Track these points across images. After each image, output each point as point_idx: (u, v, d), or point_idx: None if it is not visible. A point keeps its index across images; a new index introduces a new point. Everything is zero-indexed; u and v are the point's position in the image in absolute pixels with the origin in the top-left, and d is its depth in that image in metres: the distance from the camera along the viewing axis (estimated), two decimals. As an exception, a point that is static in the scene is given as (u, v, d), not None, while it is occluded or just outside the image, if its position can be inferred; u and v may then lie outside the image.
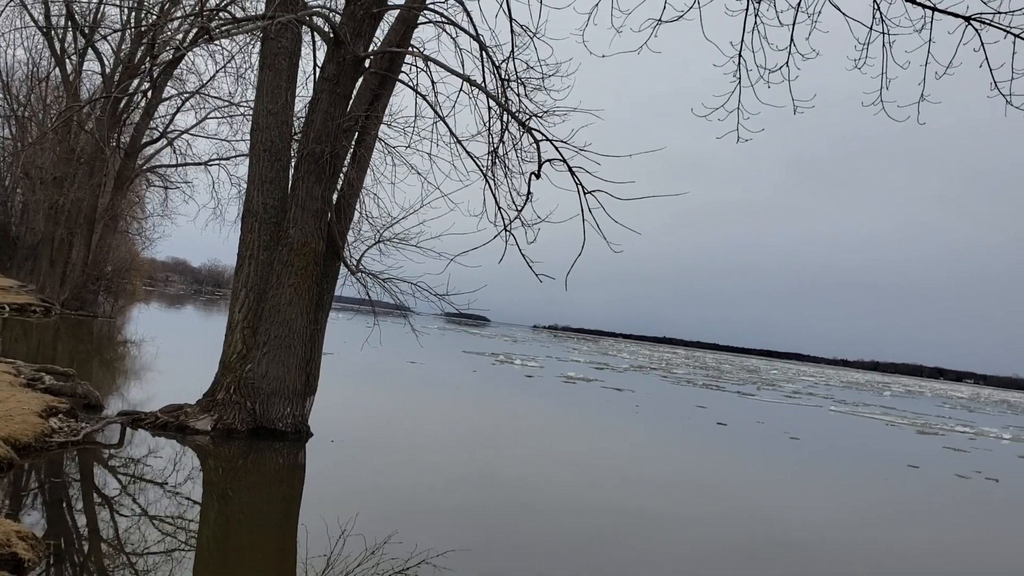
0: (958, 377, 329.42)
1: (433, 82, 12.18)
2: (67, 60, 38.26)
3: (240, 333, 11.70)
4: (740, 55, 11.17)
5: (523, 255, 10.68)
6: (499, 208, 11.07)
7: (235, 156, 33.98)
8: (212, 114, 33.83)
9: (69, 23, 35.77)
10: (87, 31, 34.98)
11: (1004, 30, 10.59)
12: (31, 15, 37.49)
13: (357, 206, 12.31)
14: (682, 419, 24.96)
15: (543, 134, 9.21)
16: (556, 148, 9.14)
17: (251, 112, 29.29)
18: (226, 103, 32.85)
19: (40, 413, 9.59)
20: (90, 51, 37.01)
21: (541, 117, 9.36)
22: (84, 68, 38.76)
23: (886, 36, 11.30)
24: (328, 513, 8.14)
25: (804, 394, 50.15)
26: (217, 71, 31.67)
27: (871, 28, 11.28)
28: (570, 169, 8.90)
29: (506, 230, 10.75)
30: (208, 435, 10.97)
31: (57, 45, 37.79)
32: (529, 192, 9.14)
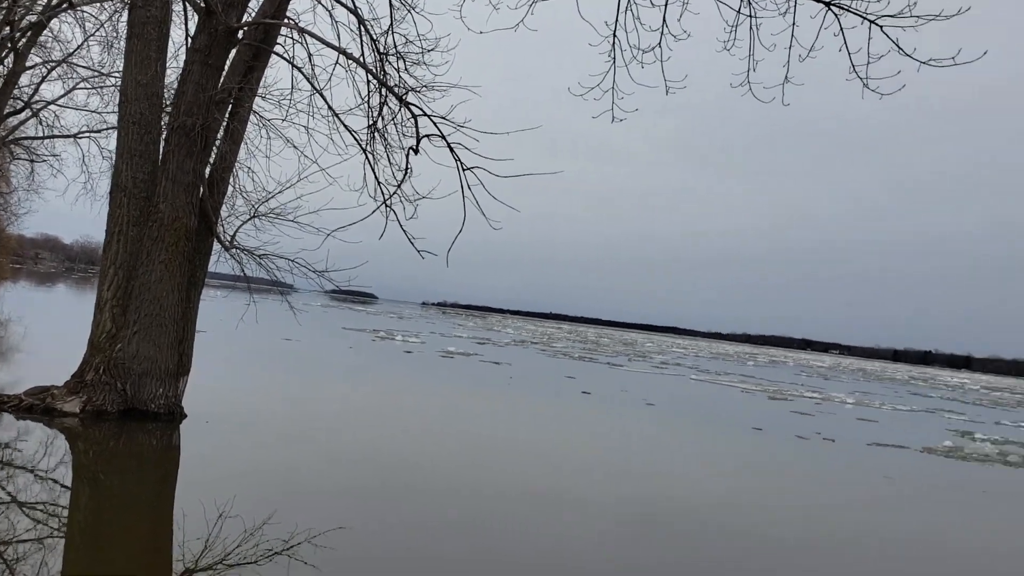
0: (825, 348, 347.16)
1: (310, 55, 12.00)
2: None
3: (109, 312, 11.30)
4: (615, 35, 11.43)
5: (404, 231, 10.69)
6: (379, 183, 11.03)
7: (106, 129, 32.42)
8: (81, 85, 32.15)
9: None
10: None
11: (861, 16, 11.18)
12: None
13: (231, 180, 12.01)
14: (550, 390, 25.68)
15: (421, 109, 9.21)
16: (435, 124, 9.17)
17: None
18: (95, 73, 31.28)
19: None
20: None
21: (419, 92, 9.36)
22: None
23: (753, 20, 11.78)
24: (205, 495, 8.00)
25: (672, 364, 52.07)
26: (85, 39, 30.02)
27: (739, 11, 11.73)
28: (449, 145, 8.94)
29: (386, 205, 10.73)
30: (77, 417, 10.59)
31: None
32: (408, 167, 9.15)
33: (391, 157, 11.31)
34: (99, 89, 32.21)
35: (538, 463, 12.52)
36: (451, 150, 8.99)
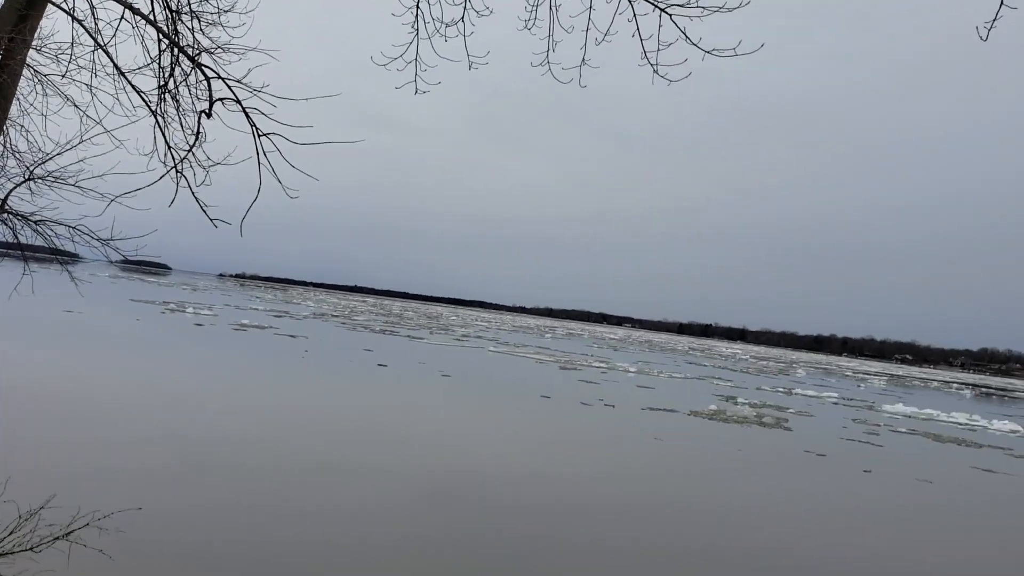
0: (619, 321, 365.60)
1: (92, 7, 11.17)
2: None
3: None
4: (418, 6, 11.43)
5: (196, 198, 10.23)
6: (169, 148, 10.48)
7: None
8: None
9: None
10: None
11: (652, 4, 11.80)
12: None
13: (1, 139, 11.02)
14: (346, 363, 25.75)
15: (215, 72, 8.83)
16: (229, 87, 8.81)
17: None
18: None
19: None
20: None
21: (213, 54, 8.95)
22: None
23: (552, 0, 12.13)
24: None
25: (473, 338, 53.36)
26: None
27: (538, -10, 12.03)
28: (244, 110, 8.63)
29: (176, 171, 10.22)
30: None
31: None
32: (199, 131, 8.75)
33: (183, 121, 10.77)
34: None
35: (330, 437, 12.59)
36: (247, 115, 8.70)
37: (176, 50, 9.60)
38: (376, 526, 8.34)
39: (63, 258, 12.53)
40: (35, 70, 11.01)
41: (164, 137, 10.42)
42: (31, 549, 6.10)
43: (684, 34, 11.77)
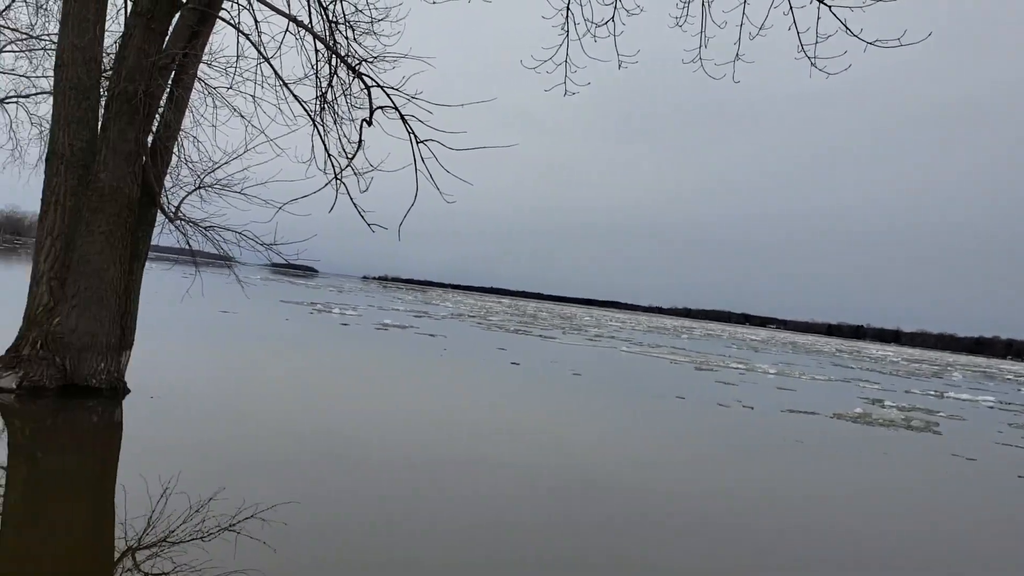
0: (763, 322, 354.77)
1: (256, 21, 11.66)
2: None
3: (47, 285, 10.90)
4: (568, 8, 11.35)
5: (355, 204, 10.50)
6: (329, 155, 10.81)
7: (36, 93, 31.28)
8: (8, 47, 30.88)
9: None
10: None
11: (811, -3, 11.32)
12: None
13: (176, 150, 11.65)
14: (481, 361, 26.01)
15: (374, 80, 9.01)
16: (388, 95, 8.97)
17: (54, 47, 27.08)
18: (24, 35, 30.09)
19: None
20: None
21: (372, 62, 9.13)
22: None
23: (705, -4, 11.83)
24: (148, 472, 7.83)
25: (606, 338, 52.87)
26: (13, 0, 28.82)
27: (692, -12, 11.76)
28: (402, 117, 8.76)
29: (337, 179, 10.52)
30: (13, 393, 10.23)
31: None
32: (360, 140, 8.93)
33: (340, 129, 11.10)
34: (28, 52, 31.04)
35: (468, 432, 12.68)
36: (404, 122, 8.82)
37: (336, 60, 9.84)
38: (511, 521, 8.28)
39: (226, 261, 13.11)
40: (205, 83, 11.54)
41: (324, 145, 10.73)
42: (201, 539, 6.32)
43: (844, 26, 11.24)
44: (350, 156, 8.92)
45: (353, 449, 10.34)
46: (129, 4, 12.21)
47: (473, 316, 62.27)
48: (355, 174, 9.33)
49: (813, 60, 11.89)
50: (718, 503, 9.96)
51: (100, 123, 11.08)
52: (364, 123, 8.85)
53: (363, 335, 30.33)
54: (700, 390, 24.51)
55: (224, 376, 15.54)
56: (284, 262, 12.29)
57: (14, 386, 10.27)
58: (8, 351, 10.82)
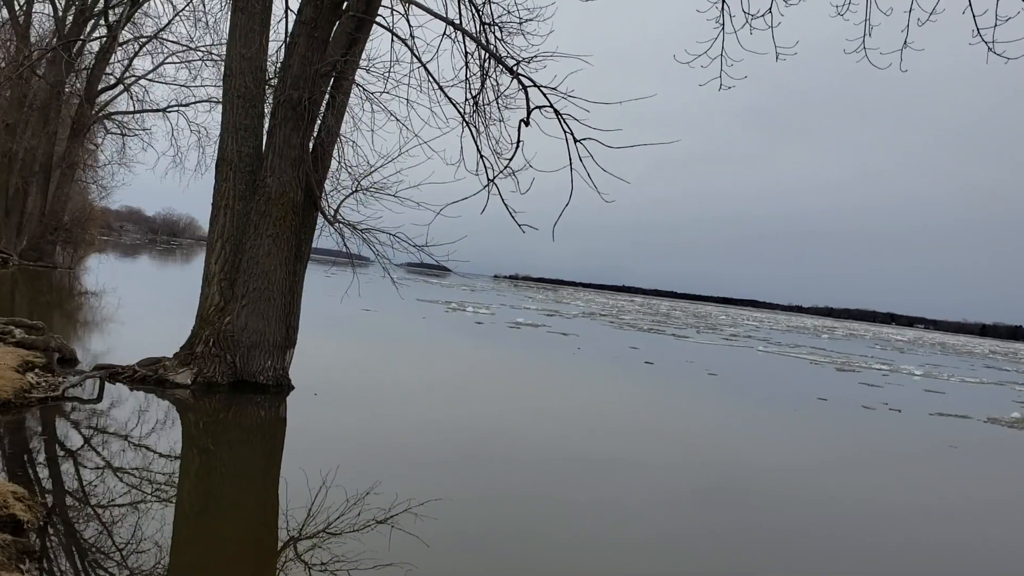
0: (910, 322, 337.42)
1: (410, 25, 11.90)
2: (15, 1, 36.81)
3: (217, 285, 11.46)
4: (724, 1, 11.03)
5: (506, 205, 10.54)
6: (481, 156, 10.89)
7: (194, 102, 33.13)
8: (170, 59, 32.83)
9: (17, -38, 34.34)
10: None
11: (989, -25, 10.60)
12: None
13: (334, 154, 12.01)
14: (613, 359, 25.77)
15: (531, 80, 9.01)
16: (544, 95, 8.95)
17: (210, 57, 28.31)
18: (184, 48, 31.91)
19: (16, 368, 9.34)
20: (40, -8, 35.61)
21: (528, 63, 9.14)
22: (34, 10, 37.32)
23: (871, -19, 11.26)
24: (309, 465, 8.06)
25: (742, 337, 51.35)
26: (175, 14, 30.60)
27: (856, -27, 11.21)
28: (560, 116, 8.72)
29: (491, 181, 10.59)
30: (188, 389, 10.79)
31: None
32: (519, 140, 8.95)
33: (489, 131, 11.18)
34: (187, 63, 32.92)
35: (603, 431, 12.59)
36: (562, 121, 8.77)
37: (491, 60, 9.91)
38: (648, 522, 8.10)
39: (359, 262, 13.35)
40: (363, 88, 11.85)
41: (476, 147, 10.81)
42: (357, 531, 6.49)
43: (1028, 5, 10.48)
44: (509, 157, 8.96)
45: (496, 446, 10.42)
46: (290, 14, 12.73)
47: (605, 315, 61.89)
48: (512, 174, 9.34)
49: (991, 45, 11.15)
50: (870, 511, 9.49)
51: (267, 129, 11.54)
52: (522, 123, 8.86)
53: (498, 333, 30.62)
54: (842, 392, 23.54)
55: (376, 373, 15.98)
56: (436, 263, 12.47)
57: (189, 382, 10.83)
58: (183, 348, 11.42)
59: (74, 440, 8.21)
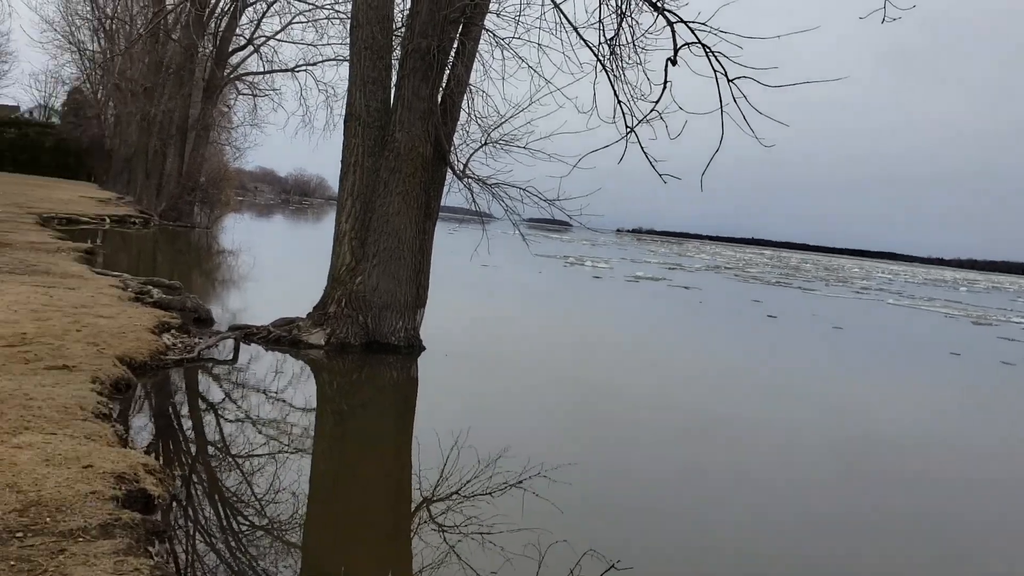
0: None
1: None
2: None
3: (348, 245, 11.21)
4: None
5: (646, 154, 9.81)
6: (619, 102, 10.16)
7: (322, 61, 33.36)
8: (297, 18, 33.06)
9: (152, -71, 35.24)
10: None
11: None
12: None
13: (463, 105, 11.49)
14: (735, 314, 25.24)
15: (677, 15, 8.20)
16: (692, 31, 8.13)
17: (336, 15, 28.20)
18: (310, 6, 32.05)
19: (152, 329, 9.31)
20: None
21: (675, -2, 8.30)
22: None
23: None
24: (441, 427, 7.94)
25: (874, 290, 49.12)
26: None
27: None
28: (713, 54, 7.89)
29: (630, 130, 9.87)
30: (322, 349, 10.63)
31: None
32: (666, 80, 8.17)
33: (625, 75, 10.41)
34: (314, 22, 33.11)
35: (724, 391, 12.12)
36: (714, 59, 7.93)
37: (633, -2, 9.12)
38: (785, 489, 7.67)
39: (483, 217, 12.80)
40: (493, 34, 11.25)
41: (614, 91, 10.08)
42: (490, 494, 6.30)
43: None
44: (651, 100, 8.21)
45: (623, 406, 10.24)
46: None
47: (730, 268, 60.30)
48: (660, 117, 8.55)
49: None
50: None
51: (395, 81, 11.13)
52: (668, 62, 8.08)
53: (615, 287, 30.29)
54: (979, 347, 22.23)
55: (500, 331, 15.74)
56: (568, 219, 11.89)
57: (323, 343, 10.66)
58: (316, 308, 11.27)
59: (209, 403, 8.12)
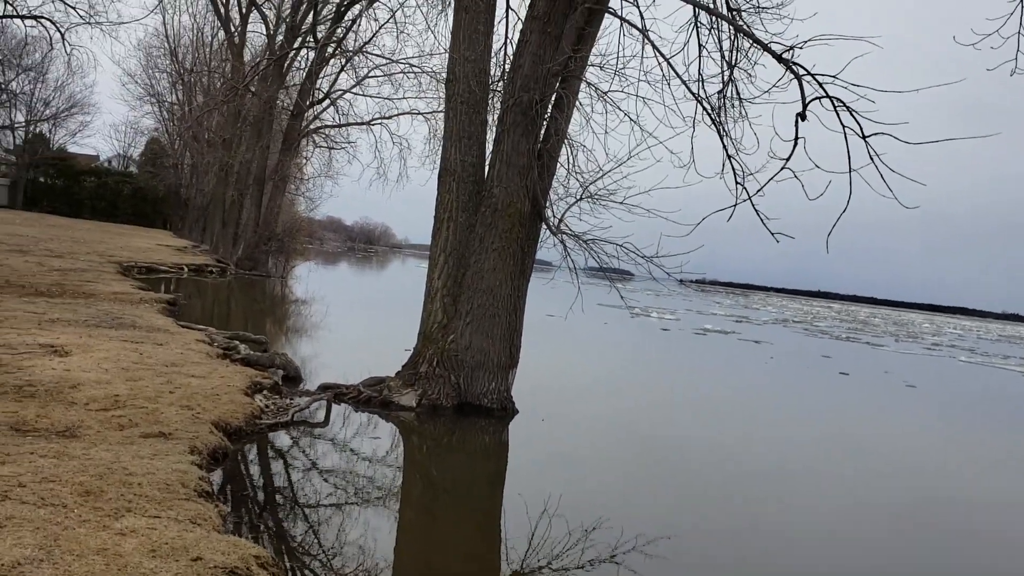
0: None
1: (641, 14, 10.85)
2: (231, 24, 38.91)
3: (440, 302, 10.85)
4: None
5: (756, 211, 9.32)
6: (729, 157, 9.71)
7: (397, 115, 33.72)
8: (373, 72, 33.52)
9: (232, -15, 36.25)
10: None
11: None
12: (197, -21, 38.30)
13: (565, 158, 11.12)
14: (805, 369, 24.78)
15: (805, 69, 7.73)
16: (821, 85, 7.64)
17: (411, 70, 28.44)
18: (386, 61, 32.46)
19: (245, 390, 9.01)
20: (254, 13, 37.42)
21: (801, 48, 7.83)
22: (248, 30, 39.33)
23: None
24: (532, 494, 7.76)
25: (945, 346, 47.61)
26: (380, 27, 31.16)
27: None
28: (848, 109, 7.38)
29: (738, 183, 9.41)
30: (413, 411, 10.23)
31: (221, 9, 38.43)
32: (797, 137, 7.68)
33: (728, 128, 9.97)
34: (390, 76, 33.53)
35: (799, 448, 11.73)
36: (850, 114, 7.41)
37: (751, 47, 8.70)
38: (853, 548, 7.27)
39: (546, 267, 12.36)
40: (595, 87, 10.91)
41: (723, 146, 9.64)
42: (582, 568, 6.03)
43: None
44: (786, 158, 7.70)
45: (714, 470, 9.81)
46: (509, 13, 12.02)
47: (798, 321, 59.14)
48: (794, 176, 8.03)
49: None
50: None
51: (494, 136, 10.84)
52: (798, 117, 7.60)
53: (684, 340, 29.84)
54: None
55: (585, 388, 15.38)
56: (668, 276, 11.40)
57: (414, 404, 10.26)
58: (405, 367, 10.90)
59: (306, 474, 7.75)
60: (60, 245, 28.36)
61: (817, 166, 7.48)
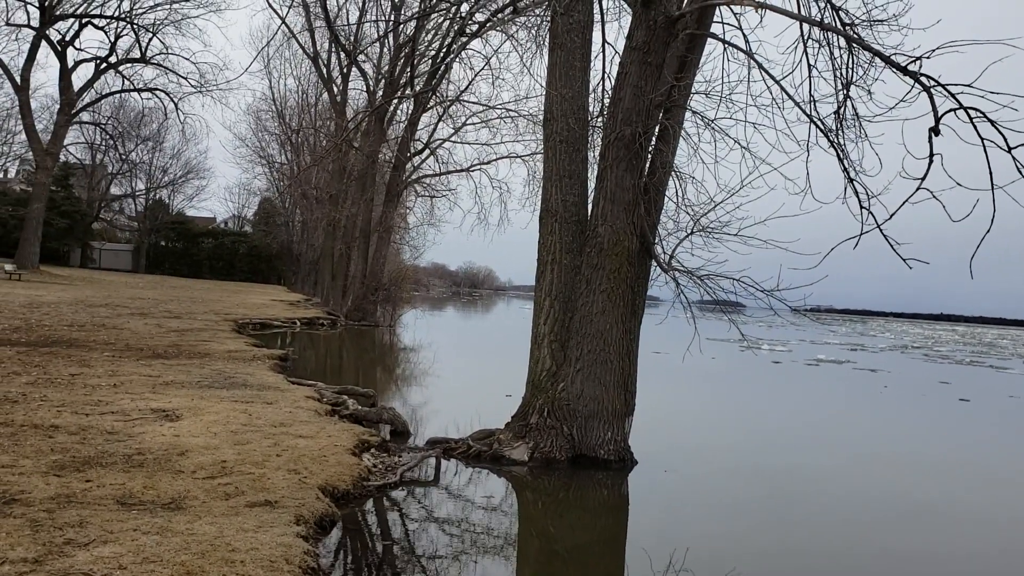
0: None
1: (745, 36, 10.29)
2: (333, 84, 40.01)
3: (548, 348, 10.41)
4: None
5: (884, 236, 8.58)
6: (850, 180, 9.02)
7: (496, 159, 33.88)
8: (470, 120, 33.81)
9: (333, 46, 37.24)
10: (351, 51, 36.19)
11: None
12: (299, 43, 39.59)
13: (675, 191, 10.60)
14: (921, 396, 23.28)
15: (933, 79, 7.05)
16: (954, 97, 6.94)
17: (508, 114, 28.50)
18: (483, 107, 32.69)
19: (352, 450, 8.74)
20: (354, 70, 38.37)
21: (928, 57, 7.14)
22: (349, 87, 40.34)
23: None
24: (656, 552, 7.37)
25: None
26: (475, 75, 31.46)
27: None
28: (988, 120, 6.65)
29: (863, 207, 8.71)
30: (525, 465, 9.76)
31: (323, 69, 39.56)
32: (932, 154, 6.97)
33: (846, 150, 9.27)
34: (487, 123, 33.76)
35: (914, 476, 10.64)
36: (991, 126, 6.69)
37: (877, 60, 8.05)
38: None
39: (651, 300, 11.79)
40: (701, 115, 10.39)
41: (844, 169, 8.96)
42: None
43: None
44: (921, 177, 6.99)
45: (844, 522, 8.90)
46: (606, 47, 11.65)
47: (918, 347, 56.26)
48: (934, 196, 7.31)
49: None
50: None
51: (596, 173, 10.41)
52: (931, 132, 6.91)
53: (795, 371, 28.65)
54: None
55: (702, 431, 14.63)
56: (791, 309, 10.73)
57: (526, 458, 9.80)
58: (515, 418, 10.47)
59: (417, 540, 7.36)
60: (179, 306, 29.33)
61: (959, 184, 6.74)
